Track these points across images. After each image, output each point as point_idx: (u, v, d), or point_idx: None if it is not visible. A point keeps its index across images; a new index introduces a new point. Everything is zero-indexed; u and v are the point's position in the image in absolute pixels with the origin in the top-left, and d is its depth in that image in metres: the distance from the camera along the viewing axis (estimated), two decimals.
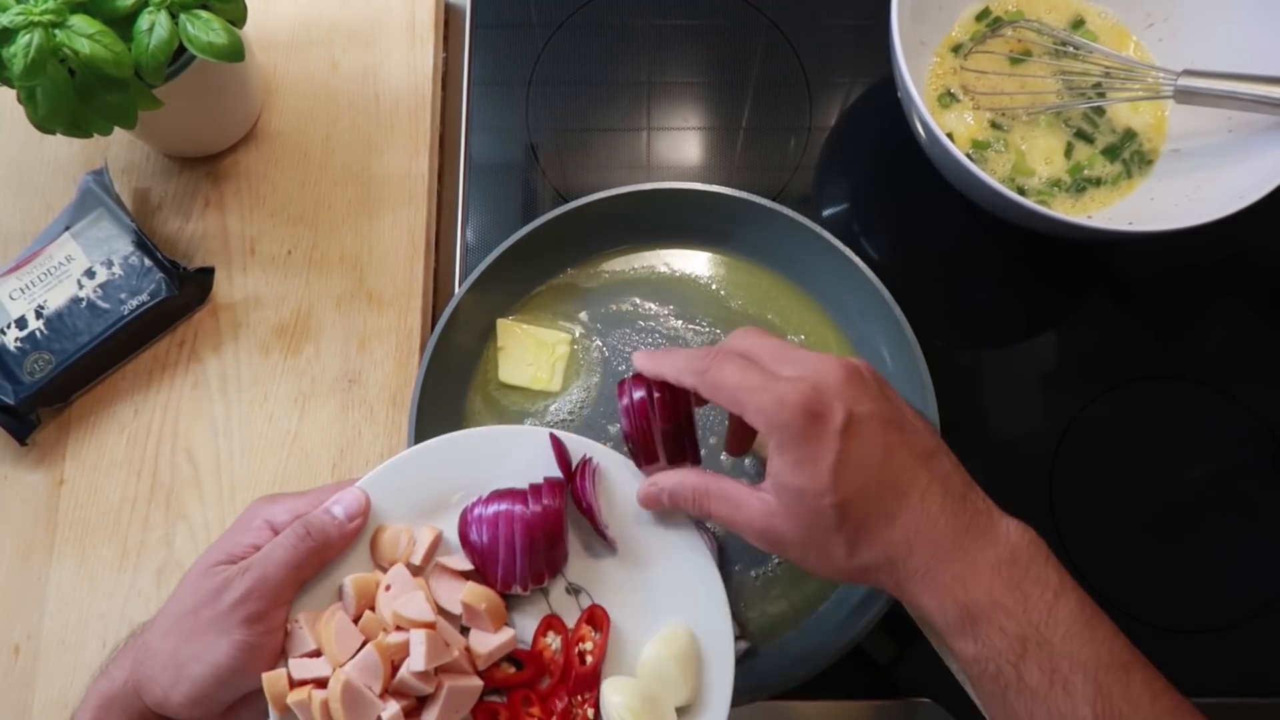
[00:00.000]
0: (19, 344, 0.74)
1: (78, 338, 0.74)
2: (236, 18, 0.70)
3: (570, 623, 0.56)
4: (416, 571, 0.54)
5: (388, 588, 0.53)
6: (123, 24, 0.66)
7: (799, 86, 0.88)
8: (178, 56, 0.69)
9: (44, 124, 0.66)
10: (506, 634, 0.54)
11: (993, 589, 0.48)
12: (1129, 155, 0.81)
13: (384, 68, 0.86)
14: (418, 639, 0.50)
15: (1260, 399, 0.80)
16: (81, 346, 0.74)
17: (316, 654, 0.52)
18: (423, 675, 0.50)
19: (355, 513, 0.54)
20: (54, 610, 0.73)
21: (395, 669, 0.51)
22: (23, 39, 0.62)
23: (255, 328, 0.79)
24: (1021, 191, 0.78)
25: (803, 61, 0.88)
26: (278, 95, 0.85)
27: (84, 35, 0.63)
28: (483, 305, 0.75)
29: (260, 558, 0.52)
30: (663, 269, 0.79)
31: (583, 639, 0.55)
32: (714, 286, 0.79)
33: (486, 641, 0.53)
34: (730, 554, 0.73)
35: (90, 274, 0.75)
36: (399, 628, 0.52)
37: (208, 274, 0.79)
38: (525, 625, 0.56)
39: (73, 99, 0.65)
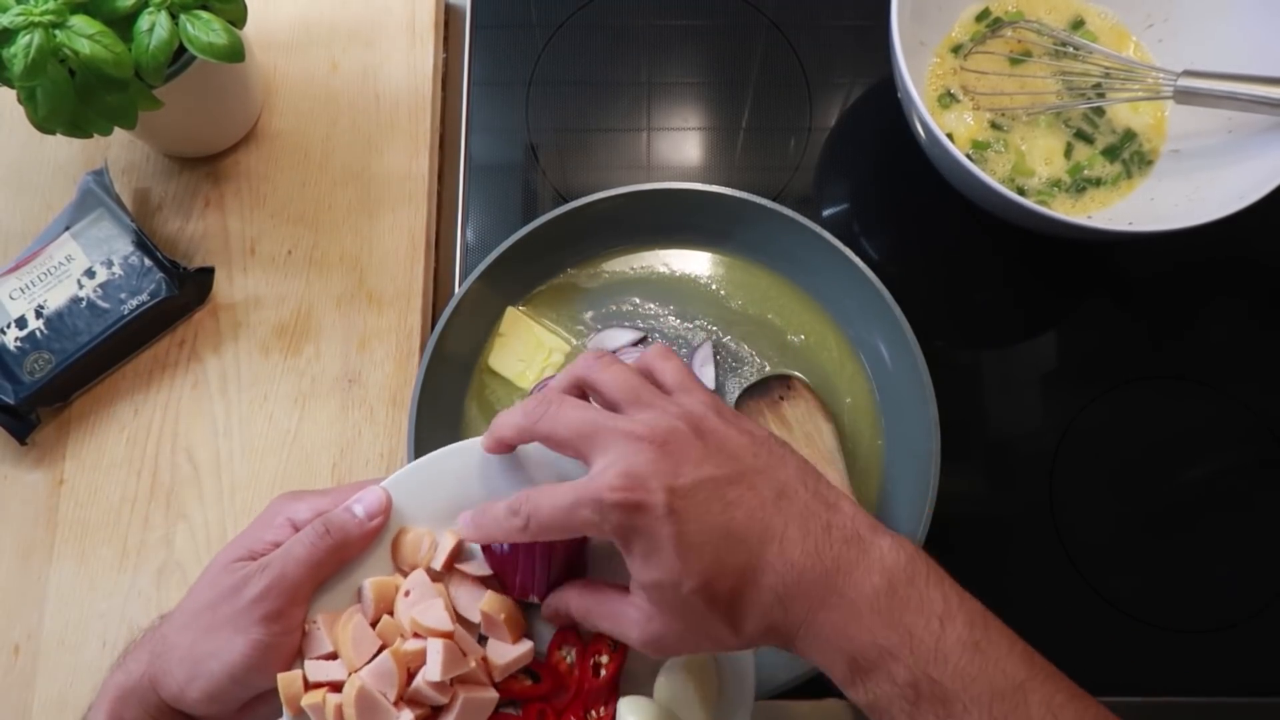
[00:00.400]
0: (19, 344, 0.74)
1: (78, 337, 0.74)
2: (236, 18, 0.70)
3: (586, 636, 0.55)
4: (437, 577, 0.54)
5: (407, 593, 0.52)
6: (123, 24, 0.66)
7: (799, 86, 0.88)
8: (178, 57, 0.69)
9: (44, 124, 0.66)
10: (525, 646, 0.53)
11: (874, 632, 0.45)
12: (1129, 155, 0.81)
13: (384, 68, 0.86)
14: (435, 648, 0.50)
15: (1260, 399, 0.80)
16: (81, 346, 0.74)
17: (333, 656, 0.51)
18: (438, 685, 0.49)
19: (376, 511, 0.53)
20: (54, 610, 0.73)
21: (411, 677, 0.50)
22: (23, 39, 0.62)
23: (255, 328, 0.79)
24: (1021, 192, 0.78)
25: (803, 61, 0.88)
26: (278, 95, 0.85)
27: (84, 35, 0.63)
28: (483, 305, 0.75)
29: (279, 555, 0.52)
30: (662, 269, 0.79)
31: (599, 652, 0.54)
32: (714, 286, 0.79)
33: (504, 653, 0.52)
34: None
35: (90, 274, 0.75)
36: (416, 635, 0.51)
37: (208, 274, 0.79)
38: (541, 636, 0.55)
39: (73, 99, 0.65)
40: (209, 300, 0.79)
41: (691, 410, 0.49)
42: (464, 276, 0.80)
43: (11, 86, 0.64)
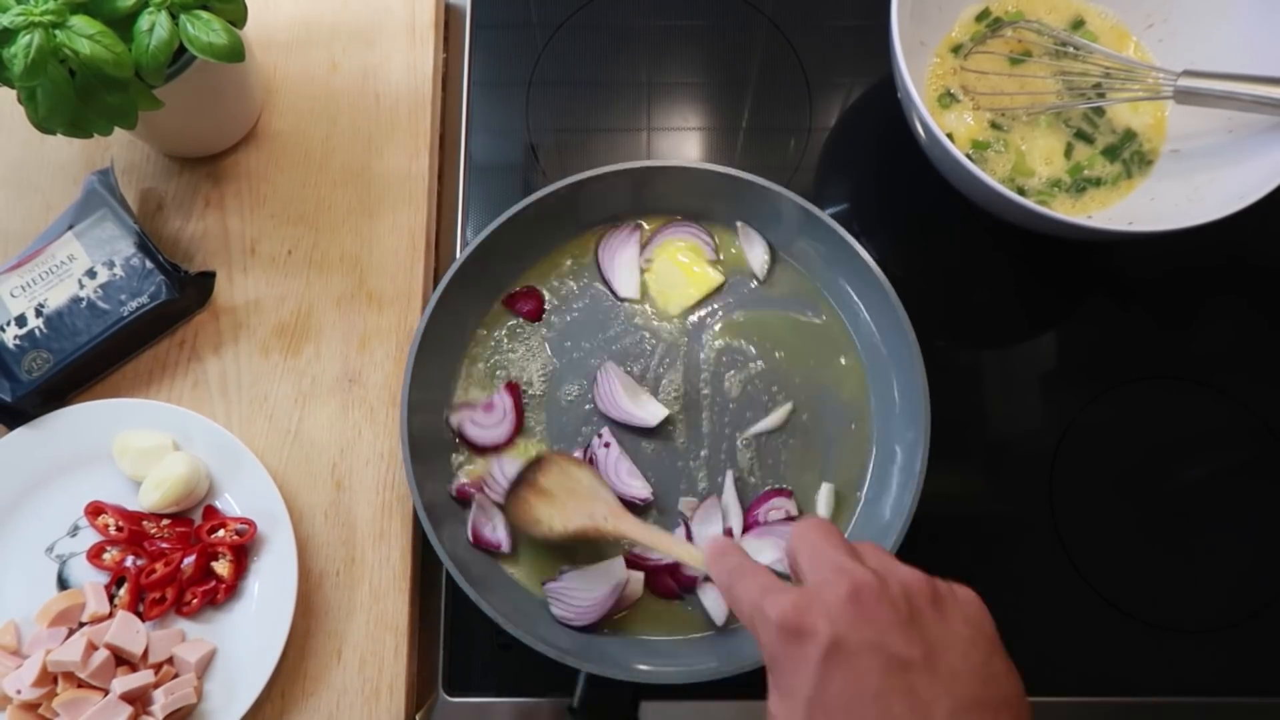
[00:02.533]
0: (18, 342, 0.74)
1: (77, 337, 0.74)
2: (236, 18, 0.70)
3: None
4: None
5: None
6: (123, 24, 0.66)
7: (799, 86, 0.88)
8: (178, 57, 0.69)
9: (44, 124, 0.66)
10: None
11: None
12: (1129, 155, 0.81)
13: (384, 68, 0.86)
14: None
15: (1260, 399, 0.80)
16: (80, 346, 0.74)
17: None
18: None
19: None
20: None
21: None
22: (23, 39, 0.62)
23: (255, 328, 0.79)
24: (1021, 192, 0.78)
25: (803, 61, 0.88)
26: (278, 95, 0.85)
27: (84, 36, 0.63)
28: (469, 291, 0.76)
29: None
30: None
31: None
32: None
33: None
34: None
35: (92, 274, 0.75)
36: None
37: (209, 278, 0.79)
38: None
39: (73, 99, 0.65)
40: (209, 299, 0.79)
41: (908, 583, 0.44)
42: None
43: (12, 86, 0.64)
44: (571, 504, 0.68)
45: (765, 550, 0.71)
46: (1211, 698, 0.74)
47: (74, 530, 0.73)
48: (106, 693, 0.67)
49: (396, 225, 0.82)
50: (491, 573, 0.72)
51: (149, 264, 0.75)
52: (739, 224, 0.78)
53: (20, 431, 0.73)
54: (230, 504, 0.73)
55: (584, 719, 0.66)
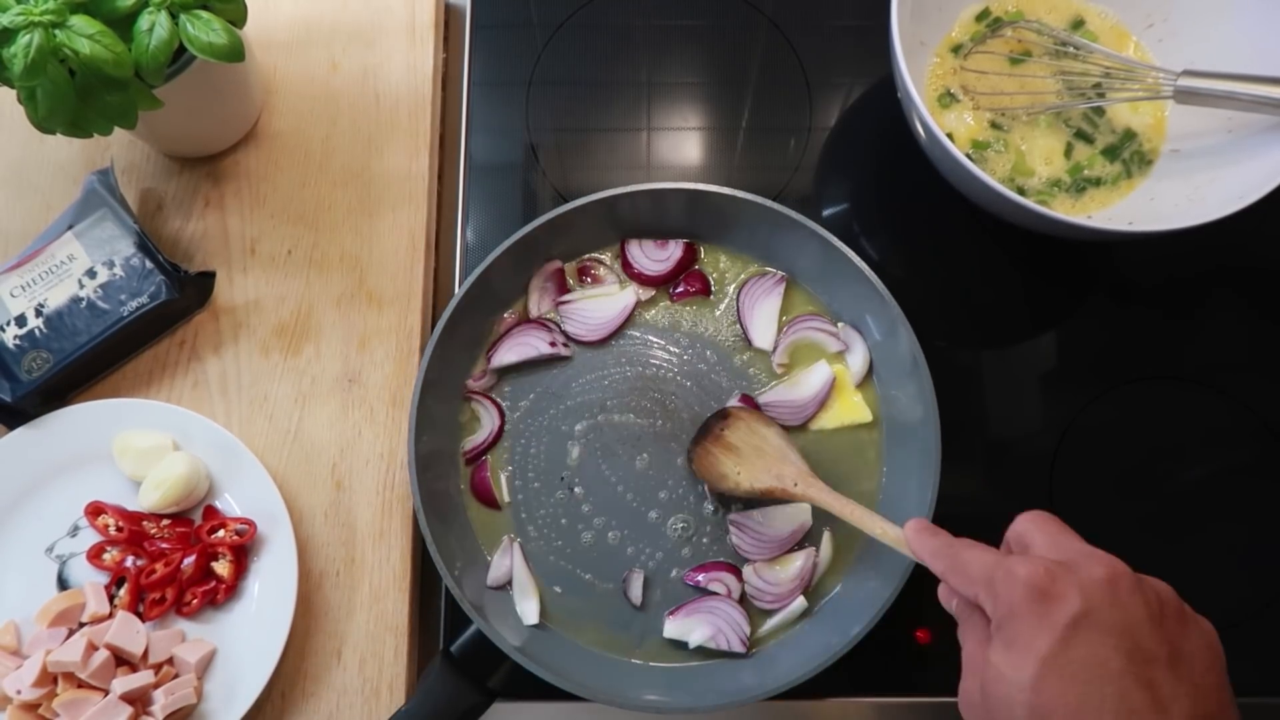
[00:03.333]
0: (18, 342, 0.74)
1: (76, 337, 0.74)
2: (236, 18, 0.70)
3: None
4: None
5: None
6: (123, 24, 0.66)
7: (799, 86, 0.88)
8: (178, 57, 0.69)
9: (44, 124, 0.66)
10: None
11: None
12: (1129, 155, 0.81)
13: (384, 68, 0.86)
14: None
15: (1260, 399, 0.80)
16: (80, 346, 0.74)
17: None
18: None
19: None
20: None
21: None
22: (23, 39, 0.62)
23: (255, 328, 0.79)
24: (1021, 192, 0.78)
25: (803, 61, 0.88)
26: (278, 95, 0.85)
27: (84, 35, 0.63)
28: (481, 303, 0.76)
29: None
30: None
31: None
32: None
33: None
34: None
35: (91, 274, 0.75)
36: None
37: (209, 278, 0.79)
38: None
39: (73, 99, 0.65)
40: (209, 299, 0.79)
41: (1160, 590, 0.45)
42: (464, 276, 0.81)
43: (11, 86, 0.64)
44: (760, 463, 0.68)
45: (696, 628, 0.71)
46: None
47: (74, 530, 0.73)
48: (107, 693, 0.67)
49: (396, 225, 0.82)
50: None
51: (149, 264, 0.75)
52: (840, 324, 0.77)
53: (20, 431, 0.73)
54: (230, 504, 0.73)
55: (454, 664, 0.66)
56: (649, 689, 0.69)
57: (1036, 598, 0.43)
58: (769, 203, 0.74)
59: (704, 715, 0.69)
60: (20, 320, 0.74)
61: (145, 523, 0.72)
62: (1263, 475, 0.79)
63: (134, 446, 0.72)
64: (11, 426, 0.74)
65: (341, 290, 0.80)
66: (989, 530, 0.77)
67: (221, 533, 0.72)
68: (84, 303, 0.75)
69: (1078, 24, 0.84)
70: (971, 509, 0.77)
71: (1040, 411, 0.80)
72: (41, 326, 0.74)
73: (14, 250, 0.79)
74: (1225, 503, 0.78)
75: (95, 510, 0.72)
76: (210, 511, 0.73)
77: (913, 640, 0.73)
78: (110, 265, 0.75)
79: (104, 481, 0.74)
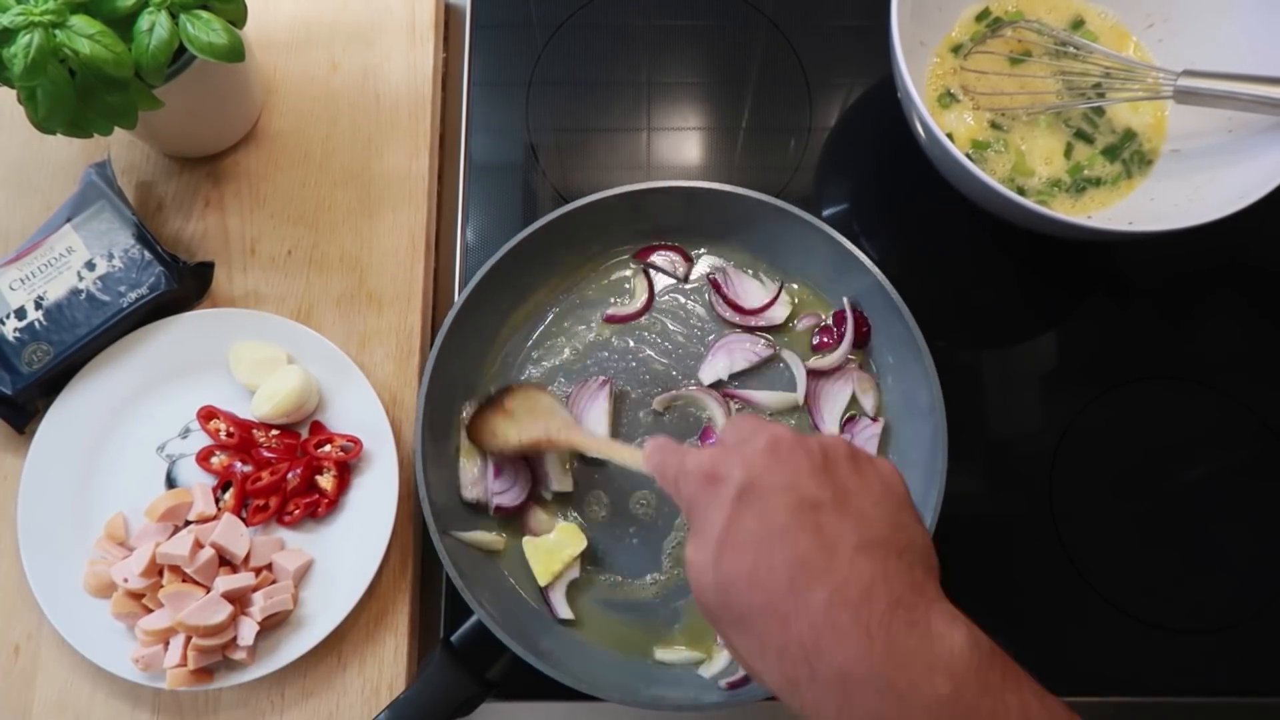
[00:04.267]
0: (18, 334, 0.74)
1: (76, 329, 0.74)
2: (236, 18, 0.70)
3: None
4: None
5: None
6: (123, 24, 0.66)
7: (799, 86, 0.88)
8: (178, 57, 0.69)
9: (44, 124, 0.66)
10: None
11: None
12: (1129, 155, 0.81)
13: (384, 68, 0.86)
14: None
15: (1260, 399, 0.80)
16: (80, 338, 0.74)
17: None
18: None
19: None
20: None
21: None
22: (23, 39, 0.62)
23: None
24: (1021, 192, 0.78)
25: (803, 61, 0.88)
26: (278, 95, 0.85)
27: (84, 35, 0.63)
28: (483, 308, 0.75)
29: None
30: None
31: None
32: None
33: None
34: None
35: (90, 266, 0.75)
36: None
37: (207, 268, 0.79)
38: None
39: (73, 99, 0.65)
40: (208, 297, 0.79)
41: (826, 442, 0.47)
42: (465, 276, 0.81)
43: (11, 86, 0.64)
44: (529, 420, 0.71)
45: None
46: (1211, 698, 0.74)
47: (185, 432, 0.75)
48: (209, 590, 0.68)
49: (396, 225, 0.82)
50: (490, 575, 0.72)
51: (148, 255, 0.75)
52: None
53: (139, 333, 0.75)
54: (335, 421, 0.75)
55: (453, 654, 0.66)
56: (655, 686, 0.69)
57: (706, 484, 0.45)
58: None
59: (707, 714, 0.69)
60: (20, 313, 0.74)
61: (255, 431, 0.74)
62: (1262, 475, 0.79)
63: (249, 357, 0.74)
64: (12, 420, 0.75)
65: (341, 290, 0.80)
66: (989, 530, 0.78)
67: (328, 448, 0.73)
68: (83, 295, 0.75)
69: (1078, 24, 0.84)
70: (972, 509, 0.77)
71: (1040, 411, 0.80)
72: (41, 319, 0.74)
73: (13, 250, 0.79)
74: (1225, 503, 0.78)
75: (208, 414, 0.74)
76: (317, 426, 0.75)
77: None
78: (109, 257, 0.76)
79: (218, 388, 0.75)
